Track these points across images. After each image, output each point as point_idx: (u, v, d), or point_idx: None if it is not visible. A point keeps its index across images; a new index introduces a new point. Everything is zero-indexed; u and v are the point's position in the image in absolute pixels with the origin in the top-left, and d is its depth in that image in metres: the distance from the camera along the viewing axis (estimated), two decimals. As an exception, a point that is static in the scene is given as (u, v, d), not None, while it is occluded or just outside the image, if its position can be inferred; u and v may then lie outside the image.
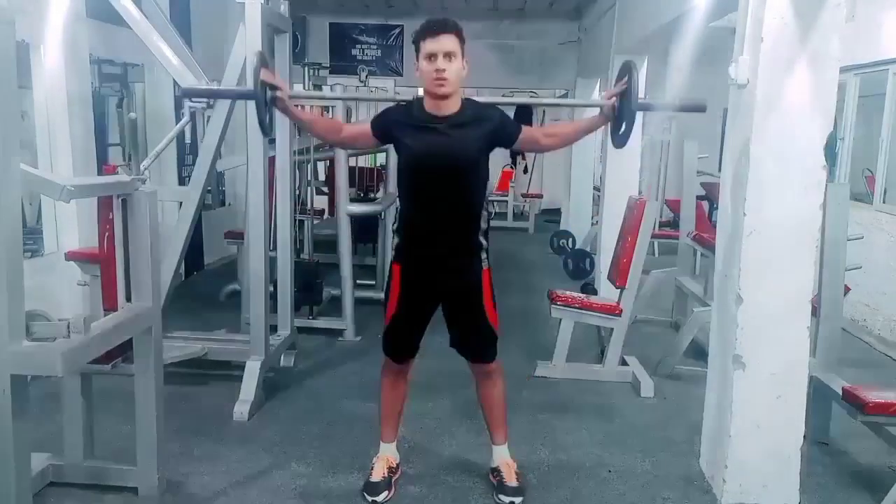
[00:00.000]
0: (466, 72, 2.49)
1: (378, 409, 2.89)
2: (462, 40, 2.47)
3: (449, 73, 2.41)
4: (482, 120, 2.54)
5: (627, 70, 2.58)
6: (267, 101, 2.54)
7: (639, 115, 2.99)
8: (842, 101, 5.72)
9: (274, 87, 2.52)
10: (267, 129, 2.69)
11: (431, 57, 2.42)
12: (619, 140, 2.65)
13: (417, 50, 2.48)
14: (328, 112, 5.53)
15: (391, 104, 2.76)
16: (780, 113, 2.55)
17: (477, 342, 2.73)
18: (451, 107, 2.51)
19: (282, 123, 4.05)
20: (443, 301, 2.69)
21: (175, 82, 4.93)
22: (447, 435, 3.34)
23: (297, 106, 2.74)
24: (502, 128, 2.59)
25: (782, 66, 2.53)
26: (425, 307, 2.70)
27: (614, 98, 2.60)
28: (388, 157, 5.75)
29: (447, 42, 2.41)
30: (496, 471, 2.82)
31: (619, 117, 2.62)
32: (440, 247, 2.59)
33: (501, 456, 2.84)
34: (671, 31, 4.64)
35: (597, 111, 2.74)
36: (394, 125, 2.58)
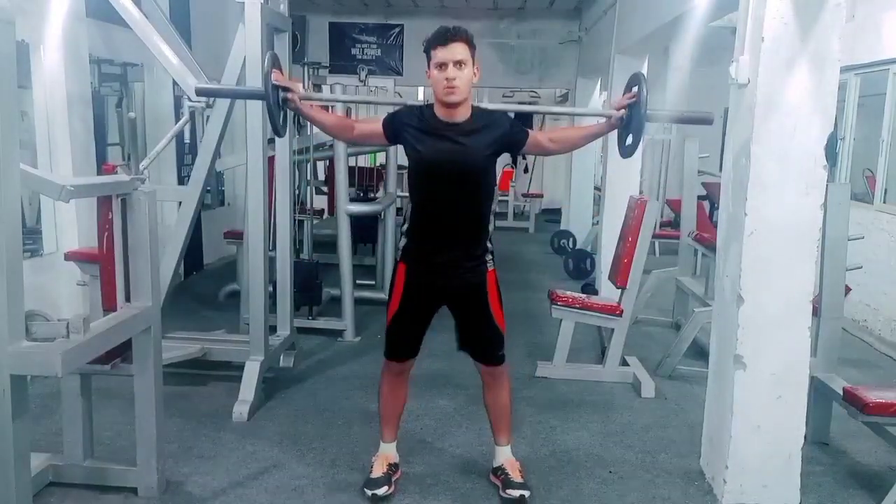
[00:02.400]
0: (478, 78, 2.52)
1: (378, 410, 2.89)
2: (473, 48, 2.50)
3: (459, 80, 2.44)
4: (492, 127, 2.57)
5: (637, 81, 2.58)
6: (279, 102, 2.56)
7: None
8: (842, 101, 5.72)
9: (286, 89, 2.55)
10: (280, 130, 2.71)
11: (442, 65, 2.44)
12: (627, 150, 2.67)
13: (429, 58, 2.50)
14: (327, 111, 5.52)
15: (397, 106, 2.76)
16: (781, 113, 2.55)
17: (485, 344, 2.73)
18: (462, 114, 2.54)
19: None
20: (449, 303, 2.71)
21: (175, 82, 4.93)
22: (447, 435, 3.34)
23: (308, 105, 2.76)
24: (511, 134, 2.61)
25: (782, 66, 2.53)
26: (428, 307, 2.70)
27: (623, 108, 2.60)
28: (387, 157, 5.75)
29: (458, 50, 2.44)
30: (500, 470, 2.82)
31: (626, 127, 2.62)
32: (448, 251, 2.61)
33: (505, 456, 2.84)
34: (671, 31, 4.64)
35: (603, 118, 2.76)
36: (405, 128, 2.59)
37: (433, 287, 2.66)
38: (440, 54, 2.43)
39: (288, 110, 2.68)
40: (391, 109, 2.74)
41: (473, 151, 2.53)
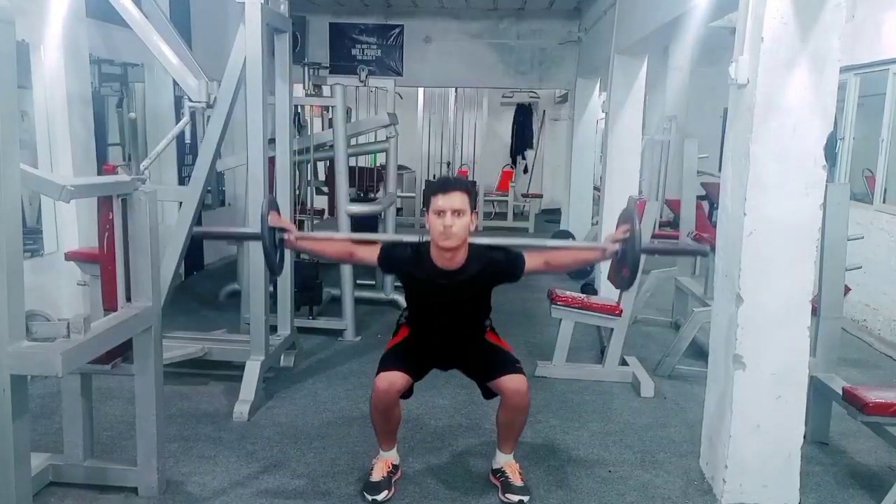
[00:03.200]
0: (475, 226, 2.61)
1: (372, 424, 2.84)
2: (472, 197, 2.61)
3: (456, 228, 2.53)
4: (487, 270, 2.67)
5: (629, 218, 2.66)
6: (276, 243, 2.70)
7: (638, 117, 3.01)
8: (842, 101, 5.72)
9: (282, 230, 2.69)
10: (276, 270, 2.83)
11: (441, 212, 2.53)
12: (624, 282, 2.75)
13: (427, 204, 2.61)
14: (327, 112, 5.52)
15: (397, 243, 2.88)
16: (780, 113, 2.55)
17: (500, 360, 2.76)
18: (458, 259, 2.63)
19: (281, 123, 4.05)
20: (454, 366, 2.85)
21: (175, 82, 4.93)
22: (447, 435, 3.34)
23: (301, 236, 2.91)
24: (507, 269, 2.70)
25: (782, 66, 2.53)
26: (429, 355, 2.80)
27: (618, 243, 2.66)
28: (387, 158, 5.75)
29: (457, 200, 2.53)
30: (499, 471, 2.82)
31: (621, 261, 2.68)
32: (448, 341, 2.79)
33: (506, 458, 2.84)
34: (671, 31, 4.64)
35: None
36: (401, 271, 2.79)
37: (437, 352, 2.81)
38: (440, 202, 2.53)
39: (285, 249, 2.82)
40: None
41: (468, 294, 2.70)
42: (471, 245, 2.65)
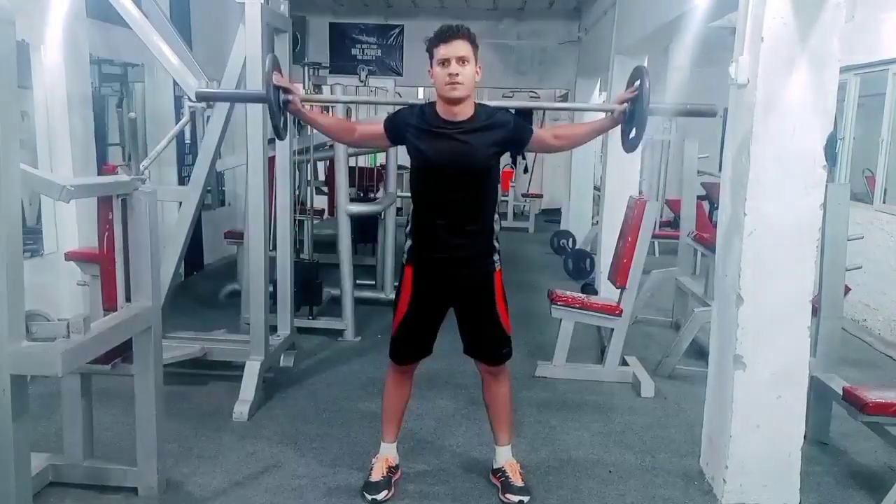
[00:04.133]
0: (479, 77, 2.52)
1: (380, 407, 2.89)
2: (475, 46, 2.50)
3: (462, 77, 2.43)
4: (495, 125, 2.56)
5: (640, 74, 2.58)
6: (280, 104, 2.56)
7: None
8: (842, 101, 5.72)
9: (287, 91, 2.55)
10: (282, 133, 2.71)
11: (445, 62, 2.44)
12: (630, 144, 2.67)
13: (431, 56, 2.51)
14: (327, 112, 5.51)
15: (398, 107, 2.75)
16: (780, 113, 2.55)
17: (492, 344, 2.73)
18: (465, 112, 2.53)
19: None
20: (455, 303, 2.70)
21: (175, 82, 4.93)
22: (447, 435, 3.34)
23: (309, 107, 2.76)
24: (515, 132, 2.59)
25: (782, 66, 2.53)
26: (437, 309, 2.71)
27: (626, 102, 2.60)
28: (387, 158, 5.75)
29: (460, 47, 2.44)
30: (500, 471, 2.82)
31: (629, 121, 2.62)
32: (453, 250, 2.59)
33: (505, 457, 2.84)
34: (671, 31, 4.64)
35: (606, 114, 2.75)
36: (407, 128, 2.58)
37: (441, 286, 2.65)
38: (443, 51, 2.44)
39: (288, 114, 2.68)
40: (392, 110, 2.74)
41: (476, 150, 2.52)
42: (477, 103, 2.57)
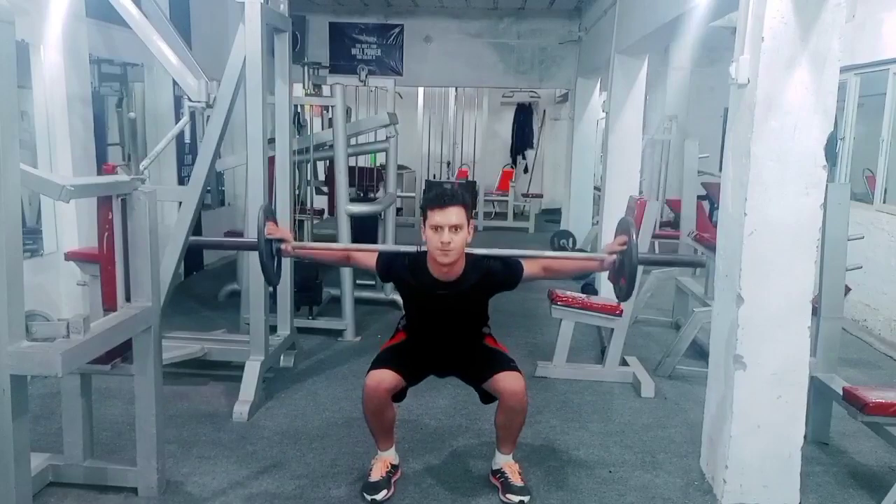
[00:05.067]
0: (472, 237, 2.61)
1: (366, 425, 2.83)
2: (469, 210, 2.59)
3: (454, 244, 2.52)
4: (485, 280, 2.66)
5: (626, 229, 2.64)
6: (273, 252, 2.70)
7: (639, 117, 2.97)
8: (842, 101, 5.72)
9: (280, 240, 2.69)
10: (274, 280, 2.82)
11: (438, 228, 2.51)
12: (623, 293, 2.72)
13: (425, 217, 2.58)
14: (327, 112, 5.52)
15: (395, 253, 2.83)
16: (780, 113, 2.55)
17: (496, 360, 2.75)
18: (455, 271, 2.62)
19: (281, 123, 4.05)
20: (451, 372, 2.85)
21: (175, 82, 4.93)
22: (447, 435, 3.34)
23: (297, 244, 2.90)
24: (505, 280, 2.69)
25: (782, 65, 2.53)
26: (426, 363, 2.80)
27: (615, 255, 2.65)
28: (387, 158, 5.75)
29: (454, 215, 2.51)
30: (499, 472, 2.82)
31: (619, 272, 2.67)
32: (445, 349, 2.79)
33: (505, 458, 2.84)
34: (671, 31, 4.64)
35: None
36: (398, 279, 2.76)
37: (431, 356, 2.80)
38: (437, 218, 2.51)
39: (282, 258, 2.79)
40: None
41: (466, 304, 2.69)
42: (468, 255, 2.64)
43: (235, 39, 3.59)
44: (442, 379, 2.95)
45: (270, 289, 3.93)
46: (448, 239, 2.49)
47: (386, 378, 2.63)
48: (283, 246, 2.71)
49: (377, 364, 2.70)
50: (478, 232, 2.72)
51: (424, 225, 2.58)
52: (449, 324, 2.73)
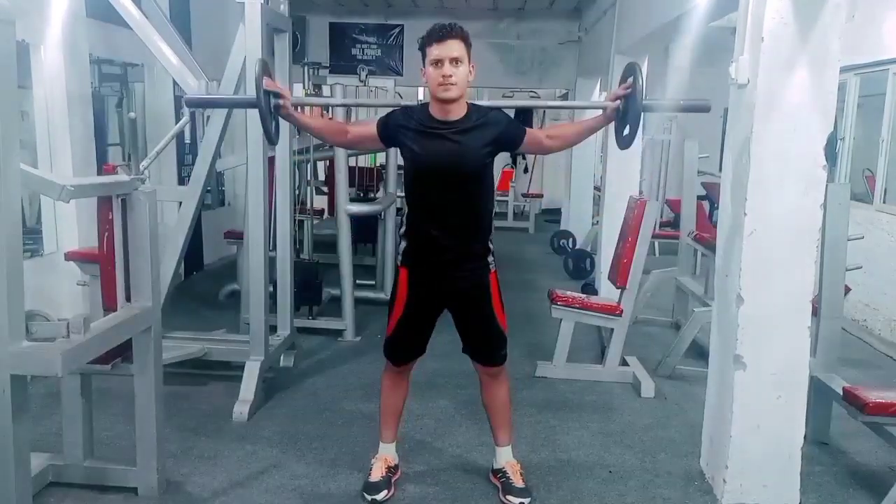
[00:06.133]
0: (473, 76, 2.50)
1: (378, 408, 2.89)
2: (468, 45, 2.48)
3: (455, 77, 2.42)
4: (488, 125, 2.54)
5: (632, 71, 2.56)
6: (271, 109, 2.54)
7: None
8: (842, 101, 5.72)
9: (277, 95, 2.52)
10: (273, 137, 2.68)
11: (438, 62, 2.42)
12: (624, 141, 2.64)
13: (424, 55, 2.48)
14: (327, 112, 5.52)
15: (395, 107, 2.74)
16: (780, 113, 2.55)
17: (488, 345, 2.73)
18: (458, 112, 2.51)
19: (281, 124, 4.04)
20: (451, 304, 2.69)
21: (175, 82, 4.93)
22: (447, 435, 3.34)
23: (299, 110, 2.74)
24: (508, 132, 2.59)
25: (782, 65, 2.53)
26: (432, 310, 2.70)
27: (619, 100, 2.57)
28: (387, 157, 5.75)
29: (453, 47, 2.42)
30: (500, 472, 2.82)
31: (623, 118, 2.59)
32: (448, 252, 2.58)
33: (506, 457, 2.84)
34: (671, 31, 4.64)
35: (600, 111, 2.70)
36: (399, 129, 2.57)
37: (436, 289, 2.64)
38: (436, 51, 2.42)
39: (280, 118, 2.64)
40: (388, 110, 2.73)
41: (470, 150, 2.51)
42: (470, 103, 2.57)
43: (235, 39, 3.59)
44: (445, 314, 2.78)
45: (270, 288, 3.93)
46: (449, 72, 2.40)
47: (409, 367, 2.78)
48: (280, 101, 2.52)
49: (392, 356, 2.75)
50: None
51: (424, 64, 2.49)
52: (453, 191, 2.52)
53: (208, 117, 3.74)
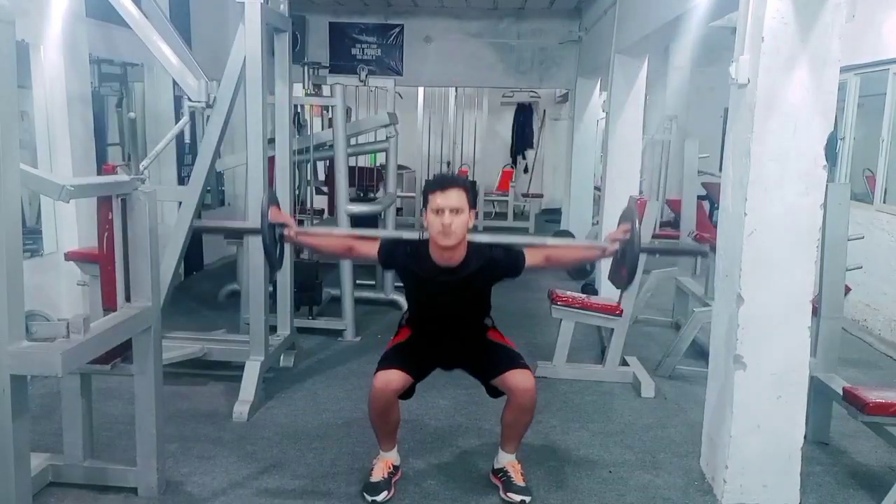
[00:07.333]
0: (472, 223, 2.61)
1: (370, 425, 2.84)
2: (469, 195, 2.59)
3: (455, 226, 2.52)
4: (487, 267, 2.67)
5: (630, 217, 2.65)
6: (276, 238, 2.70)
7: (638, 117, 2.96)
8: (842, 101, 5.72)
9: (282, 225, 2.68)
10: (277, 265, 2.83)
11: (439, 211, 2.52)
12: (622, 282, 2.76)
13: (426, 202, 2.59)
14: (327, 112, 5.52)
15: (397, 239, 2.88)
16: (781, 113, 2.55)
17: (503, 356, 2.75)
18: (457, 256, 2.63)
19: (281, 123, 4.05)
20: (457, 366, 2.85)
21: (175, 82, 4.93)
22: (448, 435, 3.34)
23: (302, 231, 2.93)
24: (507, 267, 2.71)
25: (782, 65, 2.53)
26: (431, 358, 2.80)
27: (617, 242, 2.66)
28: (387, 158, 5.75)
29: (454, 197, 2.52)
30: (501, 471, 2.82)
31: (621, 260, 2.69)
32: (448, 338, 2.78)
33: (508, 457, 2.84)
34: (671, 31, 4.64)
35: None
36: (401, 267, 2.76)
37: (438, 352, 2.79)
38: (438, 201, 2.53)
39: (284, 244, 2.80)
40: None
41: (469, 292, 2.69)
42: (470, 242, 2.65)
43: (235, 39, 3.59)
44: (448, 373, 2.91)
45: (270, 288, 3.93)
46: (449, 221, 2.50)
47: (394, 378, 2.63)
48: (285, 231, 2.70)
49: (384, 364, 2.68)
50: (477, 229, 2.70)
51: (426, 210, 2.59)
52: (452, 312, 2.73)
53: (208, 117, 3.74)
